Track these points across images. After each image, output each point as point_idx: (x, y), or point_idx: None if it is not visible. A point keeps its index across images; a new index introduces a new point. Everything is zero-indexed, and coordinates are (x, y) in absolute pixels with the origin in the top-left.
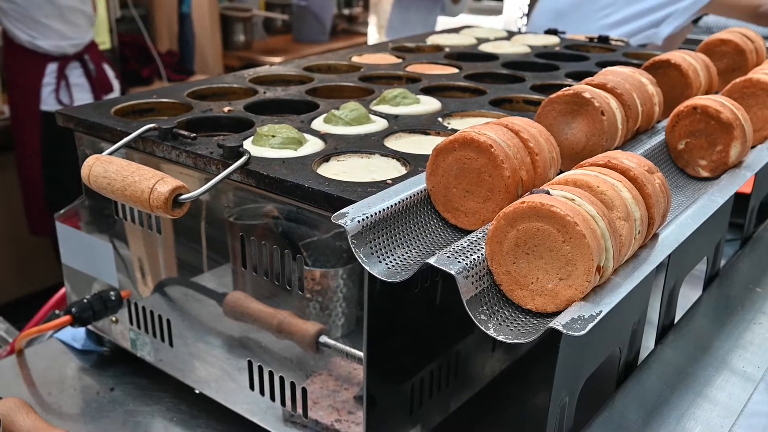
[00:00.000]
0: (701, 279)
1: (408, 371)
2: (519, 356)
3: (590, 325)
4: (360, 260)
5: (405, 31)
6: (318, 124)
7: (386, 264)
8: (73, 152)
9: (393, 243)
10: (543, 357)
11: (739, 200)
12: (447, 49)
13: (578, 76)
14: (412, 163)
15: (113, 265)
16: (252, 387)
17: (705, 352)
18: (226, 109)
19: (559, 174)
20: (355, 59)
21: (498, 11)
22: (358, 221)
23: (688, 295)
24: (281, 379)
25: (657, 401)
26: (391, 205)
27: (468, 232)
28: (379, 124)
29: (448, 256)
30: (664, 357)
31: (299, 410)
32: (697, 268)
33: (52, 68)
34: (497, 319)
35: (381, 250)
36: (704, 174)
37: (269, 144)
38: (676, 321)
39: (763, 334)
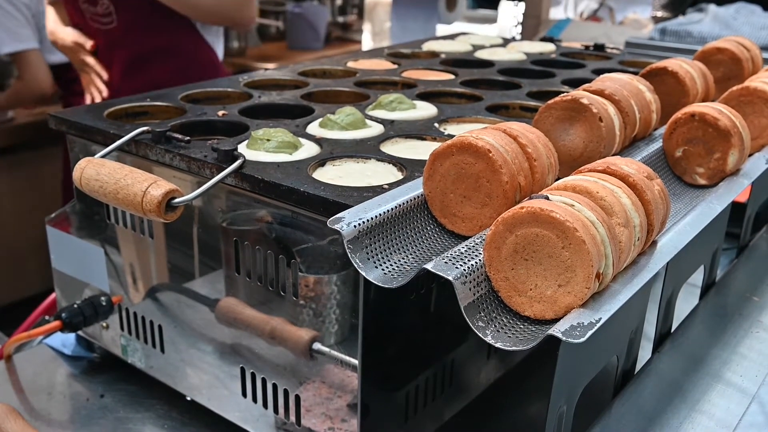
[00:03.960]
0: (697, 287)
1: (402, 379)
2: (514, 365)
3: (590, 333)
4: (356, 265)
5: (406, 39)
6: (313, 128)
7: (382, 269)
8: None
9: (389, 248)
10: (539, 365)
11: (735, 209)
12: (443, 56)
13: (574, 83)
14: (409, 168)
15: (104, 270)
16: (244, 394)
17: (702, 362)
18: (220, 112)
19: (557, 180)
20: (351, 64)
21: (493, 20)
22: (354, 226)
23: (683, 305)
24: (274, 386)
25: (654, 412)
26: (388, 210)
27: (465, 238)
28: (375, 129)
29: (445, 262)
30: (661, 366)
31: (292, 418)
32: (693, 277)
33: None
34: (495, 325)
35: (377, 255)
36: (701, 182)
37: (264, 148)
38: (672, 330)
39: (760, 344)
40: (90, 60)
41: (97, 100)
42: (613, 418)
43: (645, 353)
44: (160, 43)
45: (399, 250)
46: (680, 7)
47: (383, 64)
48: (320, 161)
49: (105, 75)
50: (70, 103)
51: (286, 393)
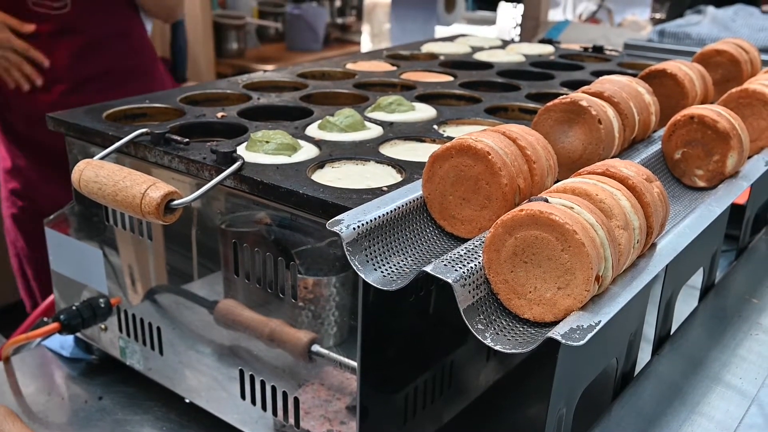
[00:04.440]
0: (697, 290)
1: (402, 381)
2: (513, 366)
3: (589, 335)
4: (355, 268)
5: (405, 40)
6: (312, 130)
7: (382, 272)
8: None
9: (388, 251)
10: (538, 367)
11: (734, 211)
12: (442, 57)
13: (573, 85)
14: (408, 170)
15: (103, 272)
16: (243, 396)
17: (701, 364)
18: (219, 114)
19: (556, 182)
20: (350, 66)
21: (492, 21)
22: (354, 228)
23: (683, 307)
24: (273, 388)
25: (653, 415)
26: (387, 213)
27: (464, 241)
28: (374, 131)
29: (444, 264)
30: (661, 369)
31: (291, 420)
32: (692, 279)
33: None
34: (494, 328)
35: (376, 257)
36: (701, 184)
37: (263, 150)
38: (672, 332)
39: (760, 347)
40: (20, 43)
41: (26, 88)
42: (612, 420)
43: (644, 355)
44: (113, 29)
45: (398, 252)
46: (678, 8)
47: (382, 66)
48: (319, 163)
49: (46, 62)
50: None
51: (284, 395)
